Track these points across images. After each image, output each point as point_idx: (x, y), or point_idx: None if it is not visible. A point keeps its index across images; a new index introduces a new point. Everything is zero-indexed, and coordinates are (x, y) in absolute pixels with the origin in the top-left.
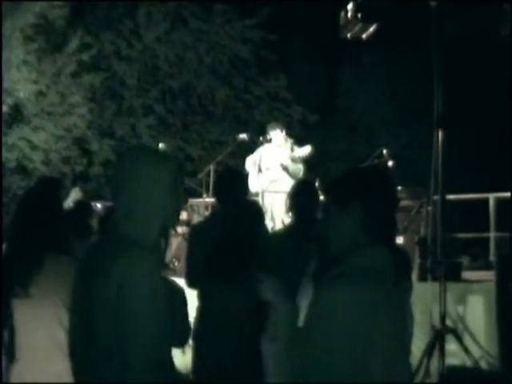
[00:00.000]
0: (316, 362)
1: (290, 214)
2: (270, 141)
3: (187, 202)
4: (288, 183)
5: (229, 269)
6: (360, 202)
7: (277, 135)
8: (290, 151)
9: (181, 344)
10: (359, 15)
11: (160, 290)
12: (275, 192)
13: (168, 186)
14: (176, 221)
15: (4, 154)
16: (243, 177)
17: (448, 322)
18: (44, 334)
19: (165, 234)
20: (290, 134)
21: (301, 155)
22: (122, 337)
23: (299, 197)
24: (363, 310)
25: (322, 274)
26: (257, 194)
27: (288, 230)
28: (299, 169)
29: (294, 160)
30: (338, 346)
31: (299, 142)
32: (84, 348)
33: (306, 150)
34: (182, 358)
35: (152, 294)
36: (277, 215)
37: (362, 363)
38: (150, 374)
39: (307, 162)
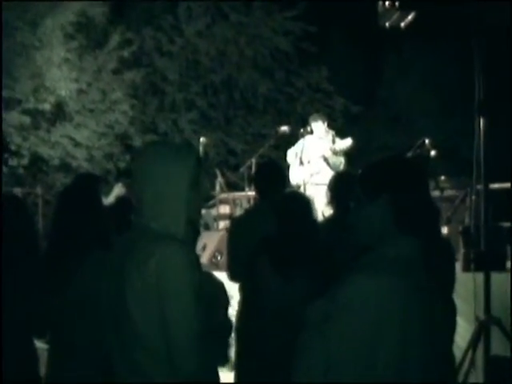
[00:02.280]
0: (340, 355)
1: (331, 206)
2: (311, 132)
3: (209, 192)
4: (329, 175)
5: (285, 262)
6: (389, 195)
7: (318, 127)
8: (331, 143)
9: (224, 338)
10: (397, 4)
11: (197, 280)
12: (316, 184)
13: (191, 179)
14: (200, 212)
15: (47, 151)
16: (282, 169)
17: (493, 313)
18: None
19: (195, 227)
20: (331, 126)
21: (342, 148)
22: (163, 329)
23: (339, 189)
24: (389, 301)
25: (350, 265)
26: (298, 187)
27: (328, 222)
28: (340, 161)
29: (334, 152)
30: (362, 338)
31: (341, 133)
32: (121, 343)
33: (347, 142)
34: None
35: (191, 284)
36: (318, 207)
37: (387, 355)
38: (192, 363)
39: (348, 154)
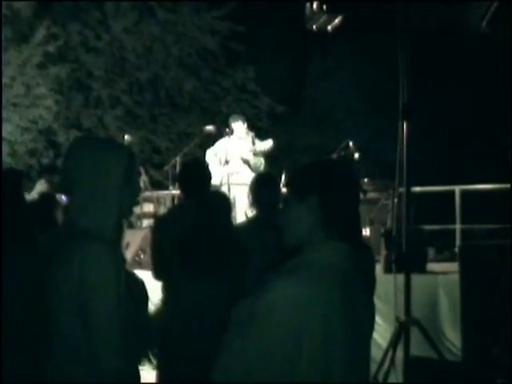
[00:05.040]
0: (260, 358)
1: (253, 207)
2: (231, 133)
3: (141, 191)
4: (249, 176)
5: (205, 263)
6: (317, 196)
7: (238, 127)
8: (251, 144)
9: (146, 338)
10: (324, 7)
11: (122, 280)
12: (237, 184)
13: (122, 176)
14: (132, 211)
15: None
16: (207, 168)
17: (413, 314)
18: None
19: (119, 226)
20: (251, 127)
21: (262, 149)
22: (86, 332)
23: (261, 189)
24: (312, 308)
25: (274, 268)
26: (217, 187)
27: (250, 223)
28: (260, 162)
29: (255, 154)
30: (283, 343)
31: (266, 133)
32: (42, 342)
33: (268, 144)
34: None
35: (115, 284)
36: (239, 208)
37: (310, 360)
38: (115, 362)
39: (271, 154)
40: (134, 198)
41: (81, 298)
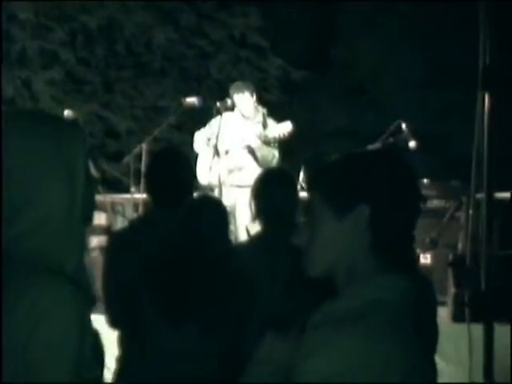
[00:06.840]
0: None
1: (258, 218)
2: (232, 109)
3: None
4: (256, 174)
5: (191, 302)
6: (368, 206)
7: (244, 101)
8: (261, 126)
9: None
10: None
11: (89, 339)
12: (238, 186)
13: (83, 172)
14: (92, 220)
15: None
16: (188, 161)
17: (496, 379)
18: None
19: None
20: (262, 100)
21: (277, 135)
22: None
23: (269, 194)
24: (375, 368)
25: (307, 312)
26: (211, 188)
27: (255, 242)
28: (272, 154)
29: (266, 142)
30: None
31: (276, 109)
32: None
33: (286, 127)
34: None
35: (78, 346)
36: (240, 220)
37: None
38: None
39: (284, 144)
40: (93, 202)
41: (26, 359)
